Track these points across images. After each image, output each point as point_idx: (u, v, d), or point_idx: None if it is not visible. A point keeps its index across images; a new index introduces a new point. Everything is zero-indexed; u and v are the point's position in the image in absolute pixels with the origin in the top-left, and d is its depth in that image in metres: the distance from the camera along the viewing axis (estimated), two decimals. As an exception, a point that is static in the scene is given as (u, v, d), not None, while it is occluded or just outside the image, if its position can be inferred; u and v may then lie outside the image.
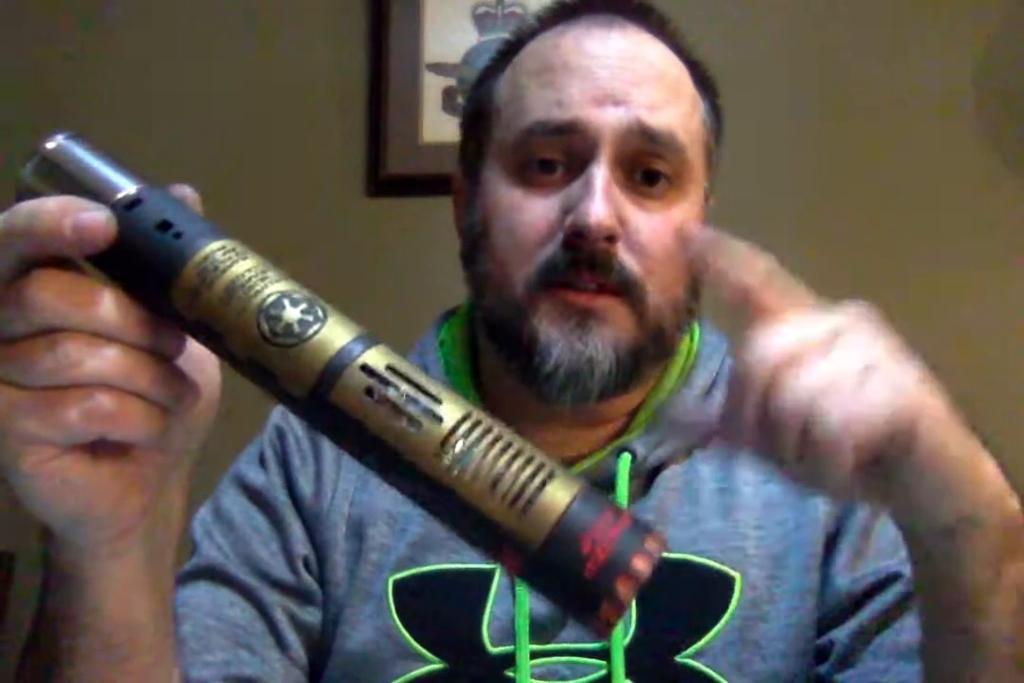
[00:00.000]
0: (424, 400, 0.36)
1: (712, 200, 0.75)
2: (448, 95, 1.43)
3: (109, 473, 0.38)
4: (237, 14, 1.48)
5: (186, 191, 0.40)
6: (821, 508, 0.68)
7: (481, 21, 1.44)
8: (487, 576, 0.67)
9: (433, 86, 1.43)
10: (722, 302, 0.49)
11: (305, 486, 0.72)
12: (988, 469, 0.48)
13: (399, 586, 0.68)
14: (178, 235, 0.37)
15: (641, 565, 0.35)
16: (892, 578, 0.65)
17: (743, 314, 0.48)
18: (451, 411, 0.36)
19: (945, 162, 1.40)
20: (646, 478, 0.71)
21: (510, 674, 0.65)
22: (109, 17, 1.49)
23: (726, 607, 0.66)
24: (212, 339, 0.37)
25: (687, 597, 0.66)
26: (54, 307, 0.36)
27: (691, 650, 0.65)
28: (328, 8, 1.48)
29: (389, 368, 0.37)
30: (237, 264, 0.37)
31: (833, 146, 1.42)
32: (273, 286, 0.37)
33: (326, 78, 1.47)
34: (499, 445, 0.36)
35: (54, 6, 1.50)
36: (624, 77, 0.68)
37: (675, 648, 0.65)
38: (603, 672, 0.64)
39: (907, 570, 0.62)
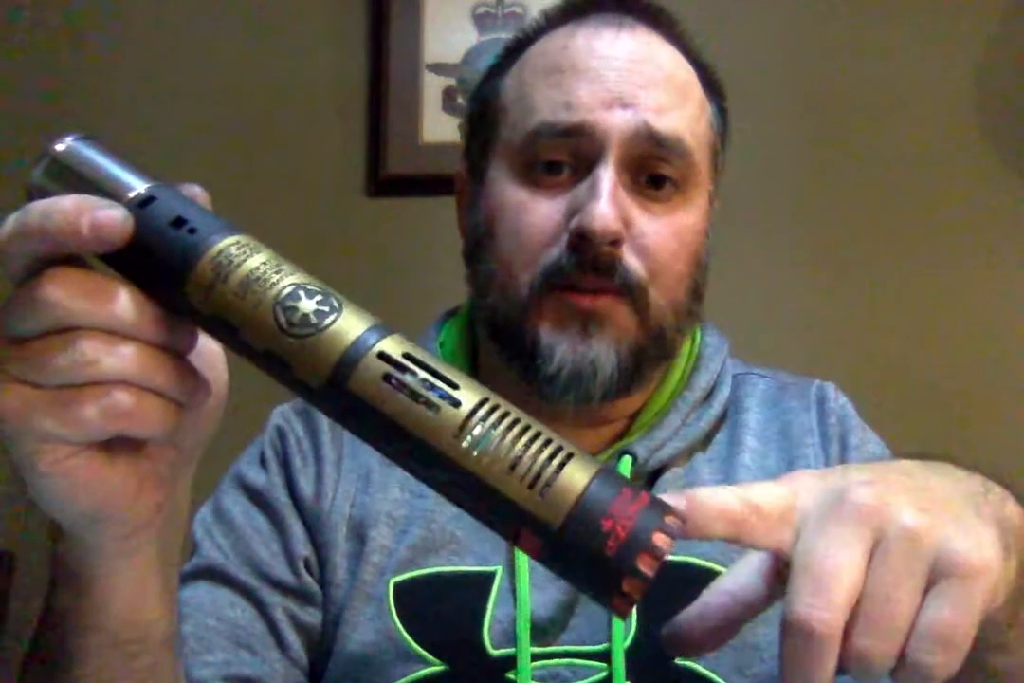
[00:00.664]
0: (442, 385, 0.37)
1: (717, 203, 0.75)
2: (448, 95, 1.43)
3: (124, 470, 0.39)
4: (237, 15, 1.48)
5: (196, 190, 0.40)
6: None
7: (481, 21, 1.44)
8: (488, 578, 0.67)
9: (433, 86, 1.43)
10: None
11: (306, 487, 0.72)
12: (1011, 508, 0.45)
13: (400, 588, 0.68)
14: (192, 231, 0.37)
15: (661, 541, 0.36)
16: None
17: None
18: (469, 396, 0.37)
19: (945, 162, 1.40)
20: (647, 481, 0.71)
21: (511, 676, 0.65)
22: (109, 17, 1.49)
23: None
24: (227, 333, 0.38)
25: (688, 599, 0.66)
26: (69, 305, 0.36)
27: None
28: (328, 8, 1.48)
29: (406, 355, 0.37)
30: (251, 258, 0.38)
31: (833, 146, 1.41)
32: (288, 278, 0.37)
33: (326, 78, 1.47)
34: (517, 428, 0.37)
35: (57, 7, 1.50)
36: (633, 80, 0.68)
37: None
38: (604, 674, 0.64)
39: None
